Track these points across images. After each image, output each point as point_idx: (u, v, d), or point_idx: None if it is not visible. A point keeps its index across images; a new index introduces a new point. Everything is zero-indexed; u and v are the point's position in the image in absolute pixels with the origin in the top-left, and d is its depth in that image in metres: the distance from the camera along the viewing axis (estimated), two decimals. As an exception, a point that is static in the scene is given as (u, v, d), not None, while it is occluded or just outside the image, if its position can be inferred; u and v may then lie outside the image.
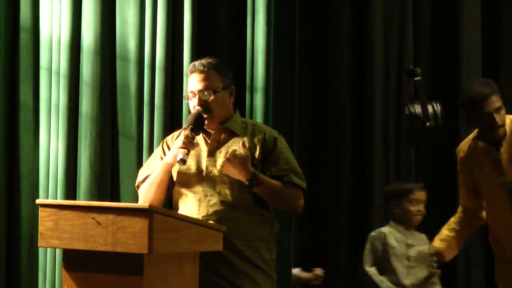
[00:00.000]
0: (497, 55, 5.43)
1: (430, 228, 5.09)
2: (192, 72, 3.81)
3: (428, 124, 4.77)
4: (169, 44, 4.59)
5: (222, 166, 3.67)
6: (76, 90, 4.75)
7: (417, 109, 4.79)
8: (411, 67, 4.89)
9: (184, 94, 4.49)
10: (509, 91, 5.33)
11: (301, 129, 4.56)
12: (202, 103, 3.76)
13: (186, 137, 3.66)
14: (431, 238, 4.67)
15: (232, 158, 3.64)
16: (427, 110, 4.78)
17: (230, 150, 3.73)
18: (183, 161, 3.63)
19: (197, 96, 3.78)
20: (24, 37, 4.90)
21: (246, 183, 3.66)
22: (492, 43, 5.42)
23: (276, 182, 3.74)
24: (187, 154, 3.65)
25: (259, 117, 4.40)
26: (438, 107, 4.81)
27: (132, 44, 4.68)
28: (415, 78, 4.84)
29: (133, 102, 4.67)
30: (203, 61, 3.82)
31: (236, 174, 3.66)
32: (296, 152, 4.01)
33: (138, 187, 3.88)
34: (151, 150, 4.51)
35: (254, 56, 4.49)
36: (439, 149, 5.15)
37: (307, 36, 4.62)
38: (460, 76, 5.19)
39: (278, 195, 3.75)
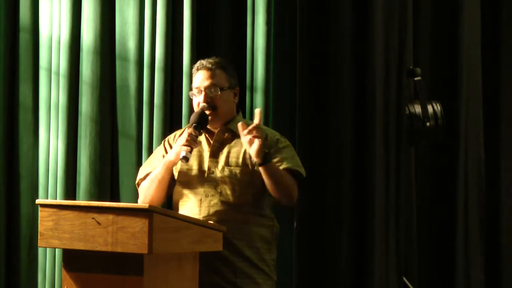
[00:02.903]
0: (497, 55, 5.42)
1: (429, 229, 5.08)
2: (199, 69, 3.82)
3: (428, 124, 4.76)
4: (169, 44, 4.59)
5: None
6: (76, 90, 4.75)
7: (417, 109, 4.78)
8: (411, 67, 4.89)
9: (183, 93, 4.50)
10: (509, 91, 5.32)
11: (301, 129, 4.55)
12: (208, 99, 3.77)
13: (190, 135, 3.66)
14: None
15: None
16: (427, 110, 4.77)
17: (232, 151, 3.74)
18: (185, 159, 3.63)
19: (203, 93, 3.78)
20: (24, 37, 4.89)
21: (261, 161, 3.61)
22: (492, 43, 5.41)
23: (279, 168, 3.72)
24: (190, 152, 3.65)
25: (259, 117, 4.40)
26: (438, 107, 4.80)
27: (131, 44, 4.68)
28: (415, 78, 4.83)
29: (132, 102, 4.67)
30: (211, 59, 3.84)
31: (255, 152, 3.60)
32: (297, 152, 4.00)
33: (138, 184, 3.88)
34: (151, 150, 4.51)
35: (254, 56, 4.49)
36: (439, 149, 5.14)
37: (307, 36, 4.62)
38: (460, 76, 5.18)
39: (279, 179, 3.70)
